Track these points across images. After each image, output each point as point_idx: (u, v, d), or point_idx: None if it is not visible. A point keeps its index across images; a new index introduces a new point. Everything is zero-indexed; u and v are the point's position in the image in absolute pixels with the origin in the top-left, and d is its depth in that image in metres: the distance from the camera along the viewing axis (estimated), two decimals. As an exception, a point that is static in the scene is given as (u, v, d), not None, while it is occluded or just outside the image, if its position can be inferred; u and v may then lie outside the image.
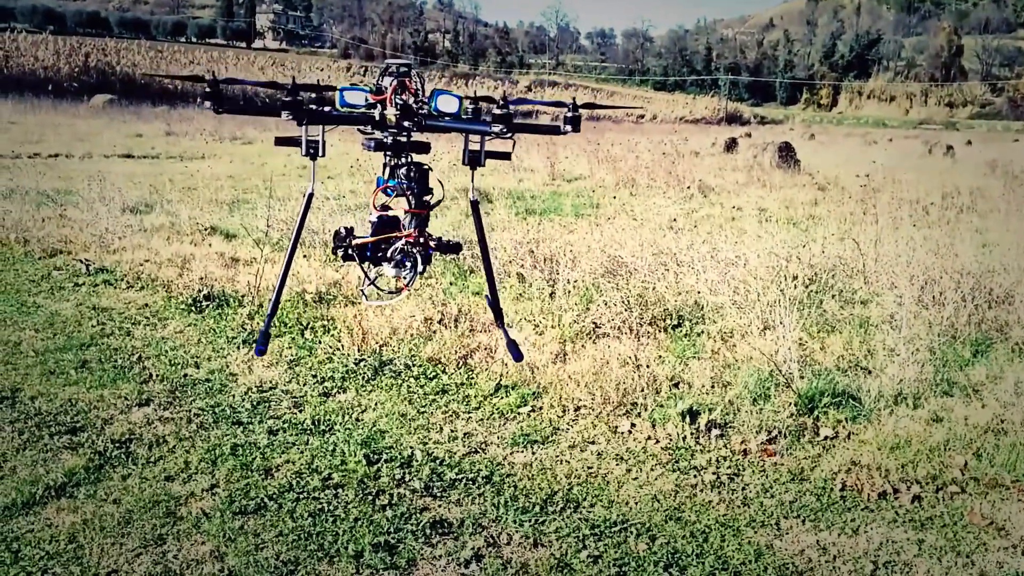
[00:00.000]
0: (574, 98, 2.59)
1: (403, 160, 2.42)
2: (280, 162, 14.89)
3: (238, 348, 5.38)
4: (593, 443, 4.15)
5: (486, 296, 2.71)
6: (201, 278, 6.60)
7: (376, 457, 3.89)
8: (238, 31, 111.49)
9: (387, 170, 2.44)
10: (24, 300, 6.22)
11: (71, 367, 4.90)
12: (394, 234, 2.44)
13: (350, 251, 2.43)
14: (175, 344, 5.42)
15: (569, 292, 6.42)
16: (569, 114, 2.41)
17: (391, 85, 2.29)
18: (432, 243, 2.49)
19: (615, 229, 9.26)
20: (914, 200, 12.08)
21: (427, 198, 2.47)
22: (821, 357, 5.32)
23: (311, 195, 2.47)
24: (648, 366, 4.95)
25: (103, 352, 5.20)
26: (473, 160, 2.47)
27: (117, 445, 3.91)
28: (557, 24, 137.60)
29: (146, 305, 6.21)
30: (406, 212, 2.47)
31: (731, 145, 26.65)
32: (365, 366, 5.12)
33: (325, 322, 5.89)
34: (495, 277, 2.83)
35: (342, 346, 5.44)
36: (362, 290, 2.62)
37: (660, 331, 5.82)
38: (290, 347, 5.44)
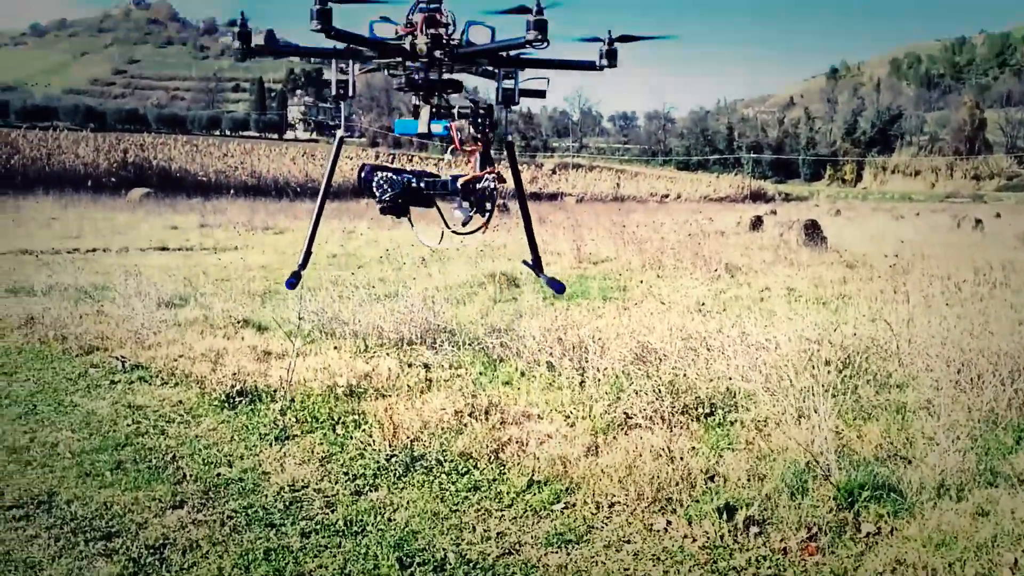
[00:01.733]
0: (610, 31, 2.54)
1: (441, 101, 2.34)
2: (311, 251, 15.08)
3: (270, 445, 5.39)
4: (629, 542, 4.09)
5: (523, 261, 2.65)
6: (234, 373, 6.66)
7: (409, 561, 3.85)
8: (270, 123, 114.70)
9: (419, 110, 2.36)
10: (62, 399, 6.30)
11: (106, 468, 4.93)
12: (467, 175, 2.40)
13: (398, 200, 2.37)
14: (208, 442, 5.44)
15: (599, 380, 6.40)
16: (605, 47, 2.36)
17: (421, 17, 2.26)
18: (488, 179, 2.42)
19: (643, 313, 9.26)
20: (945, 276, 11.98)
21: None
22: (859, 447, 5.23)
23: (341, 139, 2.49)
24: (682, 458, 4.89)
25: (138, 452, 5.23)
26: (507, 99, 2.40)
27: (151, 551, 3.91)
28: (580, 108, 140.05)
29: (180, 402, 6.27)
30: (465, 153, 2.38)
31: (757, 223, 26.71)
32: (397, 462, 5.10)
33: (356, 416, 5.90)
34: (531, 219, 2.79)
35: (373, 441, 5.43)
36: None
37: (692, 420, 5.77)
38: (321, 443, 5.44)
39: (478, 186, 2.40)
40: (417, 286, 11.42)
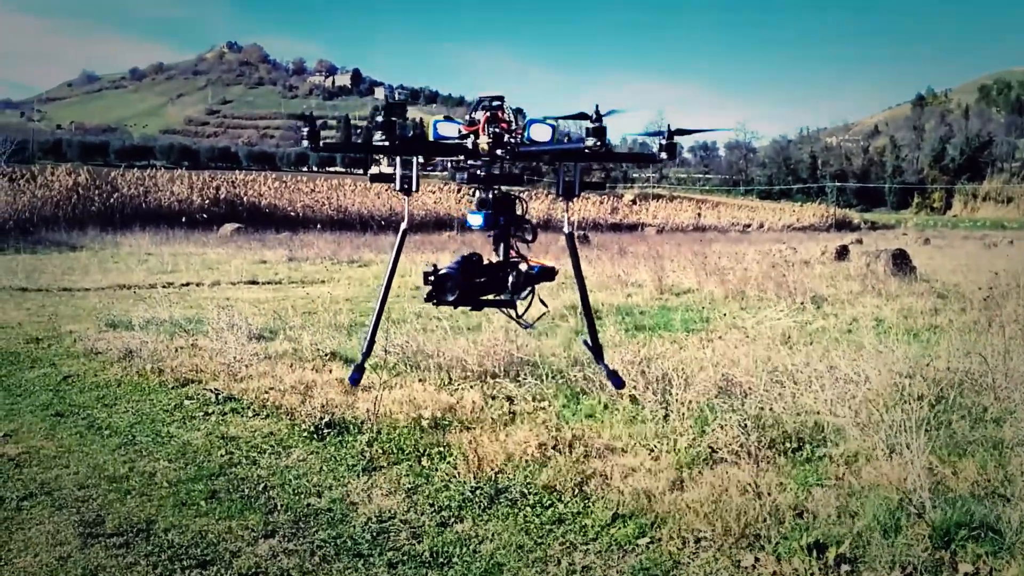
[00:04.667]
0: (668, 125, 2.63)
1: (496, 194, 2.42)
2: (394, 283, 15.38)
3: (358, 476, 5.50)
4: (716, 578, 4.04)
5: (584, 341, 2.67)
6: (322, 405, 6.82)
7: (495, 592, 3.89)
8: (356, 159, 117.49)
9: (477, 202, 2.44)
10: (159, 430, 6.55)
11: (201, 498, 5.11)
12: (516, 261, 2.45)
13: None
14: (298, 473, 5.59)
15: (683, 414, 6.35)
16: (663, 141, 2.40)
17: (484, 116, 2.35)
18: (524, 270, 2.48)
19: (727, 345, 9.16)
20: (1043, 307, 11.52)
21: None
22: (954, 483, 5.07)
23: (405, 231, 2.56)
24: (769, 494, 4.82)
25: (231, 482, 5.40)
26: (568, 190, 2.47)
27: (245, 578, 4.03)
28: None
29: (271, 433, 6.45)
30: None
31: (842, 253, 26.08)
32: (481, 494, 5.15)
33: (441, 448, 5.98)
34: (590, 303, 2.82)
35: (458, 473, 5.50)
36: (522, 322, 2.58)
37: (779, 455, 5.67)
38: (407, 474, 5.53)
39: (506, 275, 2.50)
40: (499, 319, 11.55)
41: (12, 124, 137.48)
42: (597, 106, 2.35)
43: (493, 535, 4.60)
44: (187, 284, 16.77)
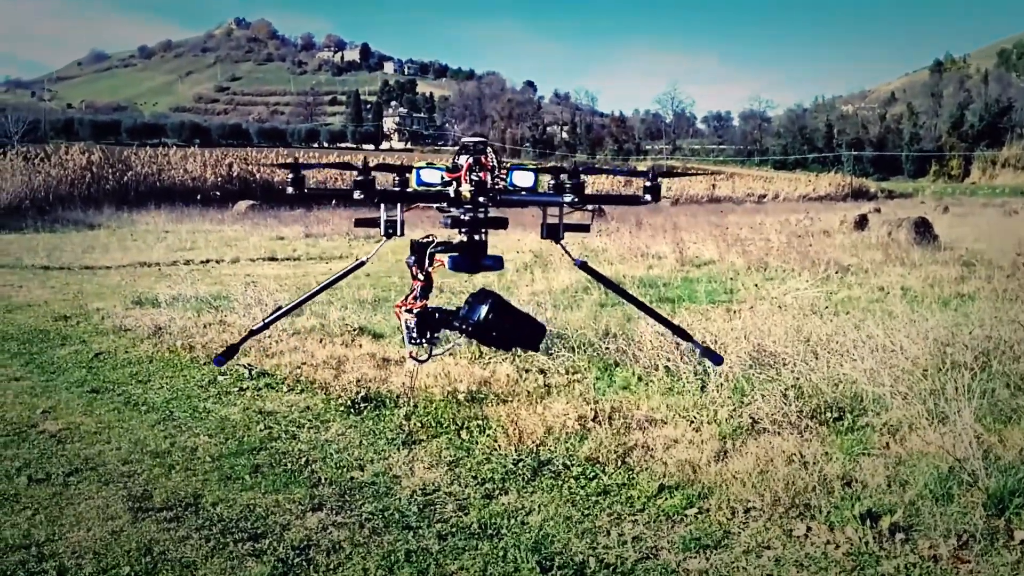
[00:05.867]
0: (653, 167, 2.64)
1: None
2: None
3: (398, 449, 5.50)
4: (769, 548, 4.02)
5: (675, 341, 2.68)
6: (357, 380, 6.82)
7: (549, 564, 3.88)
8: (367, 134, 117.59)
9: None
10: (196, 405, 6.56)
11: (245, 472, 5.12)
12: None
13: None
14: (339, 447, 5.59)
15: (720, 385, 6.31)
16: (648, 183, 2.44)
17: (466, 162, 2.33)
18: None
19: (756, 316, 9.09)
20: (1074, 273, 11.41)
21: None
22: (1001, 451, 5.02)
23: (362, 263, 2.61)
24: (815, 463, 4.79)
25: (273, 456, 5.41)
26: (552, 233, 2.49)
27: (297, 552, 4.03)
28: (673, 110, 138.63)
29: (308, 408, 6.45)
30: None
31: (862, 222, 25.86)
32: (524, 466, 5.14)
33: (479, 421, 5.97)
34: (656, 312, 2.80)
35: (499, 446, 5.49)
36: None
37: (820, 425, 5.63)
38: (448, 447, 5.52)
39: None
40: (521, 292, 11.51)
41: (24, 104, 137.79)
42: (575, 162, 2.49)
43: (539, 507, 4.59)
44: (207, 261, 16.81)
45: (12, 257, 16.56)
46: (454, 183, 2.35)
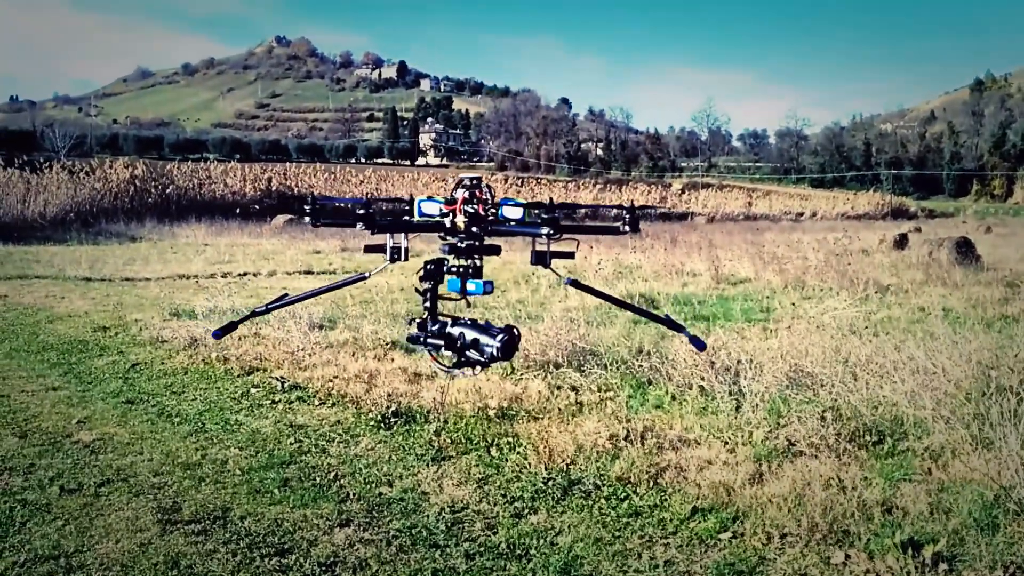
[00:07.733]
0: (632, 200, 2.98)
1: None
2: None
3: (427, 465, 5.45)
4: (806, 575, 3.90)
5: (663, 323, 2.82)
6: (388, 394, 6.80)
7: (578, 586, 3.80)
8: (403, 150, 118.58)
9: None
10: (227, 418, 6.57)
11: (274, 486, 5.10)
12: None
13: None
14: (368, 461, 5.55)
15: (756, 406, 6.20)
16: (627, 215, 2.66)
17: (462, 196, 2.62)
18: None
19: (793, 336, 8.94)
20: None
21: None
22: (1049, 479, 4.85)
23: (364, 278, 2.88)
24: (854, 488, 4.66)
25: (302, 470, 5.39)
26: (540, 259, 2.71)
27: (324, 568, 4.00)
28: (708, 128, 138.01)
29: (338, 422, 6.43)
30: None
31: (902, 241, 25.47)
32: (554, 485, 5.07)
33: (510, 438, 5.91)
34: (641, 308, 3.06)
35: (529, 464, 5.42)
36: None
37: (859, 448, 5.49)
38: (477, 464, 5.47)
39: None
40: (555, 308, 11.44)
41: (71, 119, 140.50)
42: (551, 199, 2.73)
43: (569, 527, 4.52)
44: (244, 274, 16.94)
45: (56, 268, 16.82)
46: (451, 214, 2.64)
